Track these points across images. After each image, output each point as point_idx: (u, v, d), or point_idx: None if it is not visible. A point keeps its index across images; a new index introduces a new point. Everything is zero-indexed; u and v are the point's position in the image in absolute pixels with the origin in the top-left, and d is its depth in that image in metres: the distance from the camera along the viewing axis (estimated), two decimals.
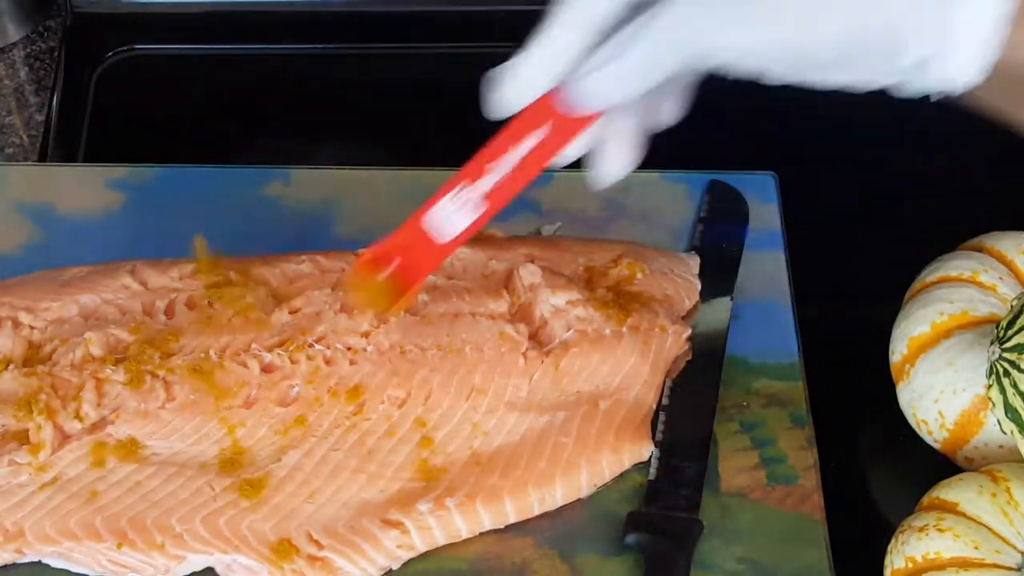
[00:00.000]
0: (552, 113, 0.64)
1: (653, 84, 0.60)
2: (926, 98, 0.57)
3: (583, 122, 0.64)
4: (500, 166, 0.66)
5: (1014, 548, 0.69)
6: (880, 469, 0.83)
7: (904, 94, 0.58)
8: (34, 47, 1.05)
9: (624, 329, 0.80)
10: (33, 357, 0.79)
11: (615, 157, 0.66)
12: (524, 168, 0.66)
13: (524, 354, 0.79)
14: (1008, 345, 0.71)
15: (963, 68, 0.55)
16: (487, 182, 0.67)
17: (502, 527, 0.75)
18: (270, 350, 0.78)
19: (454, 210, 0.68)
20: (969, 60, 0.55)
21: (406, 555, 0.73)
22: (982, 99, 0.57)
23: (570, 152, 0.66)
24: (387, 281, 0.70)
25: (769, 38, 0.56)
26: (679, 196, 0.89)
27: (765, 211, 0.89)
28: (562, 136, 0.65)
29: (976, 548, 0.69)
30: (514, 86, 0.62)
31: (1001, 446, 0.76)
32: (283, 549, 0.72)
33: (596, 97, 0.61)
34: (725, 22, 0.57)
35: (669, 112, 0.66)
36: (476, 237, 0.88)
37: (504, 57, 0.62)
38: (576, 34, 0.61)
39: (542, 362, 0.79)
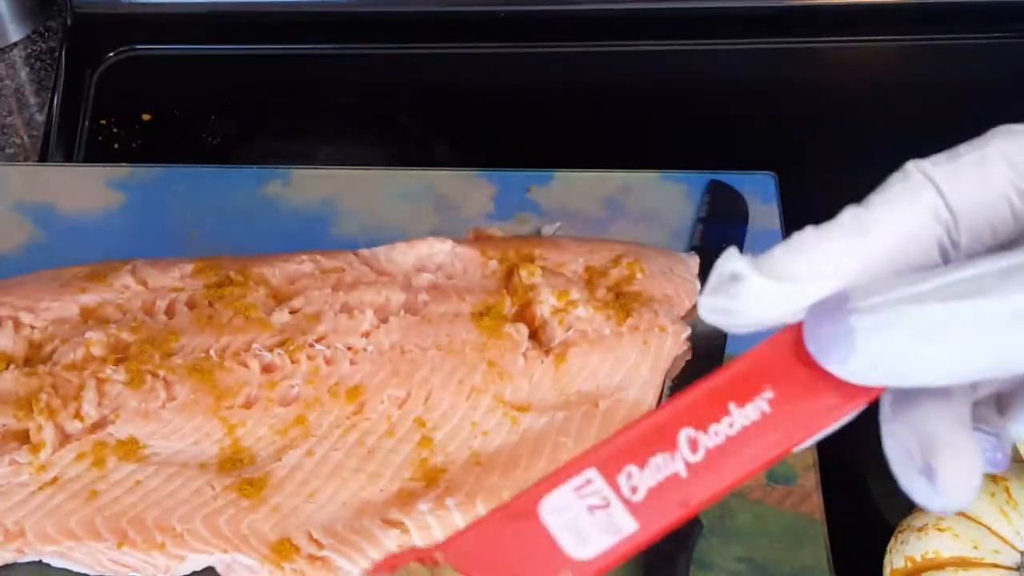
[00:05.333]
0: (803, 365, 0.39)
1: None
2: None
3: (860, 396, 0.40)
4: (686, 446, 0.40)
5: (1013, 547, 0.69)
6: (879, 468, 0.83)
7: None
8: (35, 47, 1.05)
9: (624, 329, 0.80)
10: (34, 357, 0.79)
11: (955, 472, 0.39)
12: (734, 453, 0.40)
13: (524, 354, 0.79)
14: None
15: None
16: (656, 471, 0.40)
17: None
18: (270, 350, 0.78)
19: (584, 513, 0.40)
20: None
21: None
22: None
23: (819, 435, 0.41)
24: None
25: None
26: (679, 196, 0.89)
27: (765, 211, 0.88)
28: (820, 410, 0.40)
29: (975, 547, 0.69)
30: (782, 277, 0.38)
31: None
32: (283, 548, 0.72)
33: (912, 364, 0.37)
34: None
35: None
36: (476, 237, 0.88)
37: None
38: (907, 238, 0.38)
39: (542, 362, 0.79)
